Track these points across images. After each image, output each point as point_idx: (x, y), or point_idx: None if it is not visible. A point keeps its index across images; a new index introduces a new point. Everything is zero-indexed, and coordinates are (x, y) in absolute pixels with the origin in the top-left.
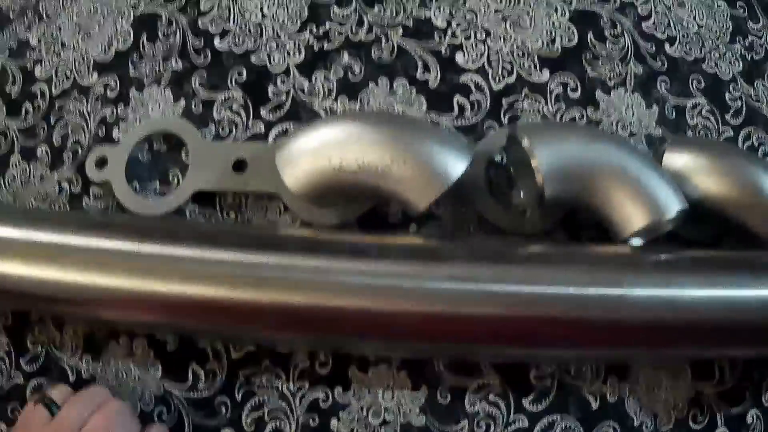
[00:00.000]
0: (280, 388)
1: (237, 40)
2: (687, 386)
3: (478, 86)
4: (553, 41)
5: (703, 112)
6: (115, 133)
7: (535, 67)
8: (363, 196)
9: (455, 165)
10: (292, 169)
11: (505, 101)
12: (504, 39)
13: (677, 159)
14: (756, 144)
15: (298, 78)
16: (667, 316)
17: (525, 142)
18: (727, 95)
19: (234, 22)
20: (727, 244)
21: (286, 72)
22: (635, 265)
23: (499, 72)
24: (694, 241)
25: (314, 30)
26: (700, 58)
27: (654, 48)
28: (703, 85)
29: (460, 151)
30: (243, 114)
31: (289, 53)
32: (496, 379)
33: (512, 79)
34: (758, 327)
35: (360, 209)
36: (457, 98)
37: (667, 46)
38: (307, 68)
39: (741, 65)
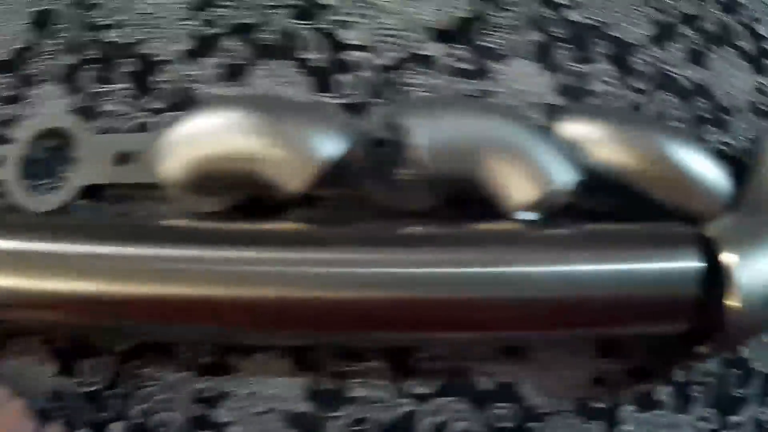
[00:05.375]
0: (165, 379)
1: (125, 30)
2: (589, 365)
3: (366, 62)
4: (447, 11)
5: (607, 78)
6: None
7: (425, 39)
8: (241, 183)
9: (333, 145)
10: (167, 159)
11: (392, 76)
12: (395, 12)
13: (572, 128)
14: (666, 110)
15: (184, 65)
16: (560, 293)
17: (403, 120)
18: (633, 60)
19: (123, 12)
20: (634, 215)
21: (172, 60)
22: (523, 241)
23: (388, 47)
24: (596, 213)
25: (200, 15)
26: (606, 22)
27: (555, 13)
28: (607, 49)
29: (338, 131)
30: (130, 105)
31: (175, 41)
32: (381, 364)
33: (401, 53)
34: (655, 301)
35: (240, 196)
36: (343, 76)
37: (569, 11)
38: (192, 55)
39: (651, 28)
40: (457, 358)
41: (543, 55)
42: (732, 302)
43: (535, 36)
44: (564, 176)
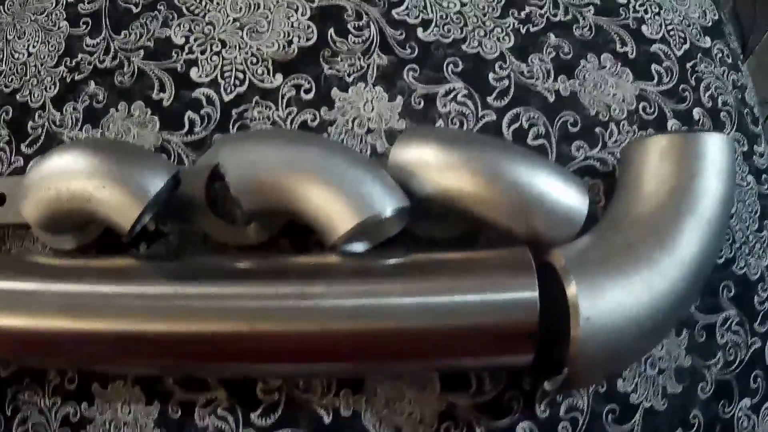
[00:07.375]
0: (38, 404)
1: (6, 80)
2: (435, 398)
3: (209, 99)
4: (290, 43)
5: (459, 97)
6: None
7: (268, 72)
8: (89, 221)
9: (152, 182)
10: (24, 200)
11: (234, 111)
12: (239, 47)
13: (404, 153)
14: (526, 126)
15: (52, 111)
16: (361, 326)
17: (219, 156)
18: (491, 76)
19: (5, 63)
20: (482, 241)
21: (43, 106)
22: (327, 273)
23: (231, 82)
24: (439, 241)
25: (68, 62)
26: (460, 39)
27: (403, 35)
28: (460, 67)
29: (158, 169)
30: (7, 150)
31: (46, 88)
32: (223, 394)
33: (243, 88)
34: (490, 332)
35: (94, 233)
36: (189, 114)
37: (419, 30)
38: (59, 101)
39: (512, 40)
40: (297, 390)
41: (389, 79)
42: (576, 334)
43: (384, 59)
44: (386, 204)
